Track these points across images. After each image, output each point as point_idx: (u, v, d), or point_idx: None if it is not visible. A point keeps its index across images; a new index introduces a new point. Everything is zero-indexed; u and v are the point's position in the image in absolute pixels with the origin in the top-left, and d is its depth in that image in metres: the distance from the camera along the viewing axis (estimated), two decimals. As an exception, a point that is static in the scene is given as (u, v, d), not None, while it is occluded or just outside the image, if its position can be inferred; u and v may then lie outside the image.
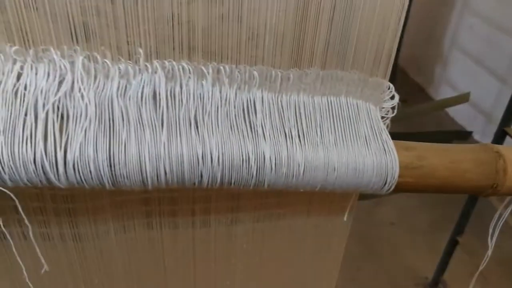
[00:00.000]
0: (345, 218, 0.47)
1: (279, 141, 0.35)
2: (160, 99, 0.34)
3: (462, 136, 1.26)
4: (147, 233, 0.44)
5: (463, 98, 1.07)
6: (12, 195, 0.31)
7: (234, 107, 0.36)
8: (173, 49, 0.35)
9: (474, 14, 2.21)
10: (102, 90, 0.33)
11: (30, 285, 0.38)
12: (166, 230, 0.45)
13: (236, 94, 0.36)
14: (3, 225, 0.35)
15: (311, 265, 0.50)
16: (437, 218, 1.89)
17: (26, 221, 0.34)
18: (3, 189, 0.31)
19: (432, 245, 1.75)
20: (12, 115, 0.30)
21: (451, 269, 1.58)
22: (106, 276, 0.45)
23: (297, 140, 0.36)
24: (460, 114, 2.37)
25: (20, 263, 0.36)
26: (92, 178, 0.31)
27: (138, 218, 0.43)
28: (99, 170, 0.31)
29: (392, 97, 0.40)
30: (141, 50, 0.33)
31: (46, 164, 0.30)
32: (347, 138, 0.37)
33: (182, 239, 0.45)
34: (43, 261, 0.37)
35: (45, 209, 0.40)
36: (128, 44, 0.34)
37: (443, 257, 1.58)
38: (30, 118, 0.31)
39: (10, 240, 0.35)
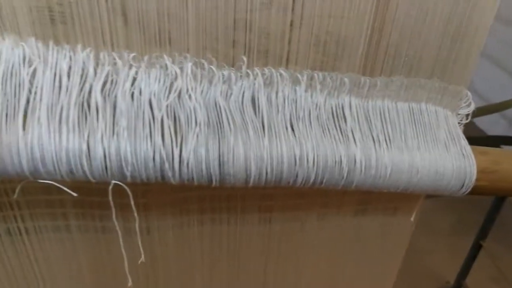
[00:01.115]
0: (412, 218, 0.49)
1: (368, 145, 0.37)
2: (259, 104, 0.36)
3: (509, 141, 1.29)
4: (219, 228, 0.46)
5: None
6: (128, 190, 0.34)
7: (324, 112, 0.38)
8: (243, 53, 0.37)
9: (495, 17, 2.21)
10: (207, 95, 0.36)
11: (128, 275, 0.40)
12: (239, 227, 0.47)
13: (325, 99, 0.38)
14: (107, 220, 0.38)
15: (374, 263, 0.52)
16: (458, 221, 1.89)
17: (136, 215, 0.36)
18: (122, 184, 0.33)
19: (454, 248, 1.76)
20: (133, 116, 0.33)
21: (473, 273, 1.59)
22: (183, 267, 0.47)
23: (384, 144, 0.38)
24: (480, 118, 2.37)
25: (124, 254, 0.39)
26: (202, 175, 0.34)
27: (218, 214, 0.45)
28: (210, 169, 0.34)
29: (469, 104, 0.42)
30: (244, 58, 0.36)
31: (165, 161, 0.32)
32: (428, 143, 0.39)
33: (254, 236, 0.48)
34: (142, 252, 0.39)
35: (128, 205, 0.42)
36: (204, 48, 0.36)
37: (466, 261, 1.59)
38: (148, 119, 0.33)
39: (119, 232, 0.38)
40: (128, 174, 0.32)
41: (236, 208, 0.45)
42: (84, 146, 0.31)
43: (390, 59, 0.39)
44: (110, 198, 0.34)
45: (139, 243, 0.39)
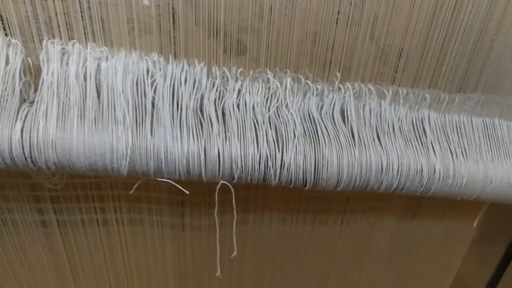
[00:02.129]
0: (474, 224, 0.52)
1: (446, 156, 0.41)
2: (348, 116, 0.40)
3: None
4: (296, 228, 0.50)
5: None
6: (232, 188, 0.38)
7: (406, 124, 0.41)
8: (311, 63, 0.40)
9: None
10: (301, 106, 0.39)
11: (218, 267, 0.44)
12: (319, 227, 0.51)
13: (407, 112, 0.41)
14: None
15: (433, 264, 0.55)
16: (488, 229, 1.88)
17: (235, 212, 0.40)
18: (227, 183, 0.37)
19: (483, 257, 1.75)
20: (240, 124, 0.37)
21: (504, 283, 1.58)
22: (258, 262, 0.51)
23: (461, 156, 0.41)
24: None
25: (218, 249, 0.43)
26: (299, 179, 0.38)
27: (302, 214, 0.49)
28: (306, 174, 0.37)
29: (538, 121, 0.44)
30: (338, 74, 0.40)
31: (269, 165, 0.36)
32: (501, 156, 0.42)
33: (325, 235, 0.51)
34: (235, 247, 0.43)
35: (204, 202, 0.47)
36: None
37: (496, 270, 1.58)
38: (253, 127, 0.37)
39: (218, 228, 0.42)
40: (236, 175, 0.36)
41: (313, 209, 0.48)
42: (202, 150, 0.35)
43: (473, 76, 0.42)
44: (216, 196, 0.38)
45: (234, 238, 0.43)
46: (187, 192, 0.37)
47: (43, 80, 0.35)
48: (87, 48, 0.36)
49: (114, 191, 0.45)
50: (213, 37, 0.38)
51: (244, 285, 0.53)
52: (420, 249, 0.54)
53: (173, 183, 0.37)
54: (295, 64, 0.39)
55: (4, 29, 0.36)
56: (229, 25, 0.37)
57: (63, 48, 0.36)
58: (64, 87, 0.35)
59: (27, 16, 0.35)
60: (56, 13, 0.35)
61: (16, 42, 0.36)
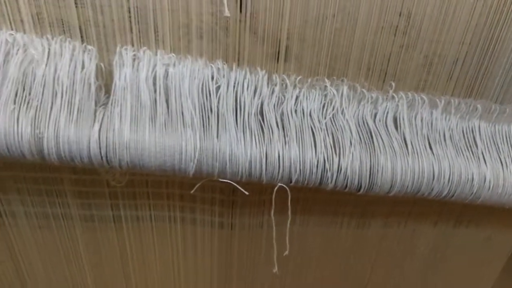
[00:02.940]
0: (517, 235, 0.53)
1: (496, 166, 0.42)
2: (401, 124, 0.41)
3: None
4: (346, 231, 0.52)
5: None
6: (288, 190, 0.39)
7: (456, 133, 0.42)
8: (367, 73, 0.41)
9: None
10: (355, 113, 0.41)
11: (276, 264, 0.46)
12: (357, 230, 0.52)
13: (457, 122, 0.43)
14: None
15: (472, 274, 0.56)
16: None
17: (289, 212, 0.42)
18: (284, 185, 0.39)
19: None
20: (299, 130, 0.39)
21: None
22: (300, 262, 0.53)
23: (511, 166, 0.42)
24: None
25: (275, 247, 0.45)
26: (354, 184, 0.39)
27: (355, 218, 0.50)
28: (361, 179, 0.39)
29: None
30: (393, 84, 0.41)
31: (327, 170, 0.38)
32: (550, 167, 0.43)
33: (372, 238, 0.53)
34: (287, 244, 0.45)
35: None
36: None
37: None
38: (311, 133, 0.39)
39: (274, 228, 0.44)
40: (294, 178, 0.38)
41: (358, 213, 0.50)
42: (264, 153, 0.37)
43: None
44: (274, 197, 0.40)
45: (287, 237, 0.45)
46: (246, 193, 0.39)
47: (115, 84, 0.37)
48: (156, 54, 0.39)
49: (170, 189, 0.47)
50: (266, 44, 0.40)
51: (285, 285, 0.55)
52: (460, 257, 0.54)
53: (235, 184, 0.39)
54: (352, 73, 0.41)
55: (81, 36, 0.38)
56: (284, 34, 0.39)
57: (134, 55, 0.38)
58: (136, 91, 0.37)
59: (100, 24, 0.38)
60: (117, 20, 0.38)
61: (91, 48, 0.38)
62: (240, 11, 0.38)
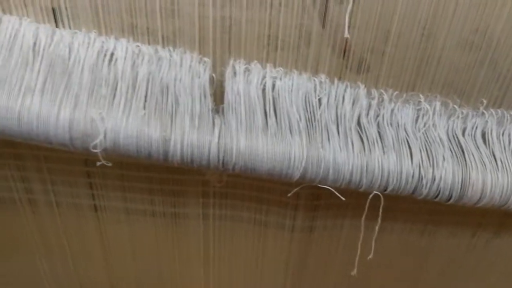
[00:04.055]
0: None
1: None
2: (489, 140, 0.43)
3: None
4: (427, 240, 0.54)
5: None
6: (382, 197, 0.42)
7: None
8: (455, 90, 0.43)
9: None
10: (445, 128, 0.43)
11: (356, 267, 0.49)
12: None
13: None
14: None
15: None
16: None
17: (379, 219, 0.45)
18: (379, 193, 0.42)
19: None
20: (395, 141, 0.41)
21: None
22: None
23: None
24: None
25: (359, 250, 0.48)
26: (444, 194, 0.41)
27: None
28: (452, 190, 0.41)
29: None
30: (484, 100, 0.43)
31: (423, 179, 0.40)
32: None
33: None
34: (372, 248, 0.48)
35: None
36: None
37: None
38: (406, 144, 0.41)
39: (362, 233, 0.47)
40: (391, 187, 0.41)
41: (441, 221, 0.52)
42: (364, 162, 0.40)
43: None
44: (367, 204, 0.43)
45: (373, 241, 0.48)
46: (343, 198, 0.42)
47: (228, 94, 0.41)
48: (265, 67, 0.42)
49: (259, 193, 0.50)
50: (341, 56, 0.43)
51: (356, 286, 0.58)
52: (497, 267, 0.56)
53: (333, 190, 0.42)
54: (431, 88, 0.43)
55: (199, 48, 0.42)
56: (364, 47, 0.41)
57: (246, 68, 0.42)
58: (247, 101, 0.41)
59: (213, 38, 0.41)
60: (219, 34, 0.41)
61: (207, 60, 0.42)
62: (323, 26, 0.41)
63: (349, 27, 0.39)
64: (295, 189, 0.44)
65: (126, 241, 0.57)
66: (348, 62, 0.42)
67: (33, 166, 0.50)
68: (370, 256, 0.48)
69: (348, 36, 0.39)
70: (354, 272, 0.50)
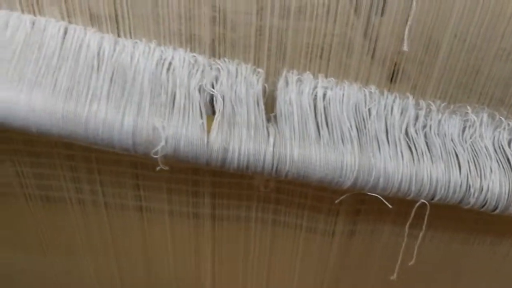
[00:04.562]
0: None
1: None
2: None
3: None
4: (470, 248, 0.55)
5: None
6: (428, 205, 0.43)
7: None
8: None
9: None
10: (491, 139, 0.44)
11: (396, 272, 0.50)
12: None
13: None
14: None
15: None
16: None
17: (424, 226, 0.46)
18: (426, 202, 0.43)
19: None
20: (442, 150, 0.42)
21: None
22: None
23: None
24: None
25: (400, 256, 0.49)
26: (491, 204, 0.42)
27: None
28: (499, 200, 0.42)
29: None
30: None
31: (471, 189, 0.41)
32: None
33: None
34: (414, 255, 0.49)
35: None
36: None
37: None
38: (454, 153, 0.42)
39: (405, 239, 0.48)
40: (438, 196, 0.42)
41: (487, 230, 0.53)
42: (414, 172, 0.41)
43: None
44: (413, 212, 0.44)
45: (415, 248, 0.49)
46: (390, 206, 0.43)
47: (280, 104, 0.42)
48: (317, 78, 0.43)
49: (301, 199, 0.52)
50: (380, 65, 0.44)
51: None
52: None
53: (381, 198, 0.43)
54: (465, 98, 0.44)
55: (254, 59, 0.43)
56: (397, 55, 0.42)
57: (299, 78, 0.43)
58: (299, 111, 0.42)
59: (268, 49, 0.43)
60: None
61: (260, 71, 0.43)
62: (365, 36, 0.42)
63: (403, 39, 0.40)
64: (342, 196, 0.45)
65: (167, 242, 0.58)
66: (395, 73, 0.43)
67: (84, 167, 0.52)
68: (412, 263, 0.49)
69: (406, 49, 0.40)
70: (394, 276, 0.51)
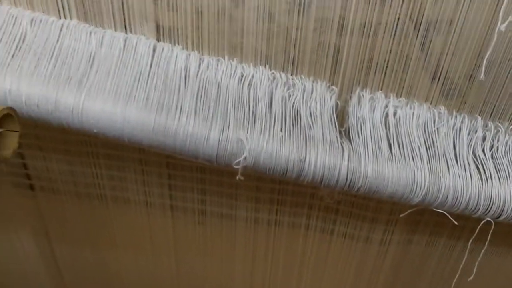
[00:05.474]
0: None
1: None
2: None
3: None
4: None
5: None
6: (493, 223, 0.45)
7: None
8: None
9: None
10: None
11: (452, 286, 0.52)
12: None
13: None
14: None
15: None
16: None
17: (487, 243, 0.47)
18: (491, 219, 0.44)
19: None
20: (500, 170, 0.44)
21: None
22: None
23: None
24: None
25: (459, 270, 0.51)
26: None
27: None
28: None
29: None
30: None
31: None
32: None
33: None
34: (474, 270, 0.51)
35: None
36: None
37: None
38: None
39: (466, 255, 0.50)
40: (504, 215, 0.43)
41: None
42: (482, 191, 0.43)
43: None
44: (479, 227, 0.45)
45: (476, 263, 0.50)
46: (456, 223, 0.45)
47: (353, 120, 0.45)
48: (389, 97, 0.45)
49: (362, 211, 0.54)
50: (435, 81, 0.45)
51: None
52: None
53: (447, 214, 0.45)
54: None
55: (330, 77, 0.45)
56: (452, 72, 0.44)
57: (371, 97, 0.45)
58: (371, 127, 0.44)
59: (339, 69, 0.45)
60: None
61: (334, 88, 0.45)
62: (421, 49, 0.44)
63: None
64: (409, 210, 0.47)
65: (226, 245, 0.61)
66: (441, 87, 0.45)
67: (155, 172, 0.56)
68: (471, 278, 0.51)
69: (483, 78, 0.42)
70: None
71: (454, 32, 0.42)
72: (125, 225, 0.61)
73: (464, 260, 0.50)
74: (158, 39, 0.46)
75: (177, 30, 0.45)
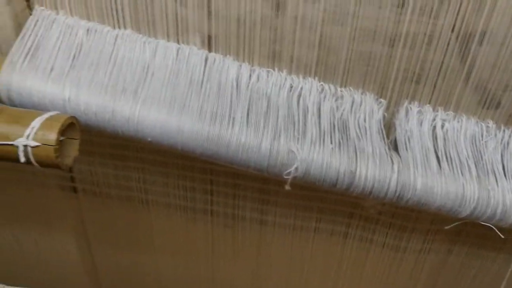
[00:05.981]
0: None
1: None
2: None
3: None
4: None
5: None
6: None
7: None
8: None
9: None
10: None
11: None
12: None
13: None
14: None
15: None
16: None
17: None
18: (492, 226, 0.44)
19: None
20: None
21: None
22: None
23: None
24: None
25: (505, 280, 0.51)
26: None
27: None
28: None
29: None
30: None
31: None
32: None
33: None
34: (505, 280, 0.51)
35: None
36: None
37: None
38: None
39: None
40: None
41: None
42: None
43: None
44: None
45: (508, 271, 0.50)
46: (502, 236, 0.45)
47: (400, 133, 0.45)
48: (436, 110, 0.46)
49: (403, 222, 0.54)
50: (484, 95, 0.45)
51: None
52: None
53: (495, 228, 0.45)
54: None
55: (379, 89, 0.46)
56: (492, 83, 0.44)
57: (419, 110, 0.46)
58: (419, 140, 0.45)
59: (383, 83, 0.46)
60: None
61: (382, 101, 0.46)
62: (461, 60, 0.44)
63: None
64: (456, 223, 0.47)
65: (263, 252, 0.62)
66: (479, 97, 0.45)
67: (199, 178, 0.57)
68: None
69: None
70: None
71: (506, 46, 0.42)
72: (164, 230, 0.62)
73: (508, 274, 0.50)
74: (210, 50, 0.47)
75: (227, 40, 0.46)
